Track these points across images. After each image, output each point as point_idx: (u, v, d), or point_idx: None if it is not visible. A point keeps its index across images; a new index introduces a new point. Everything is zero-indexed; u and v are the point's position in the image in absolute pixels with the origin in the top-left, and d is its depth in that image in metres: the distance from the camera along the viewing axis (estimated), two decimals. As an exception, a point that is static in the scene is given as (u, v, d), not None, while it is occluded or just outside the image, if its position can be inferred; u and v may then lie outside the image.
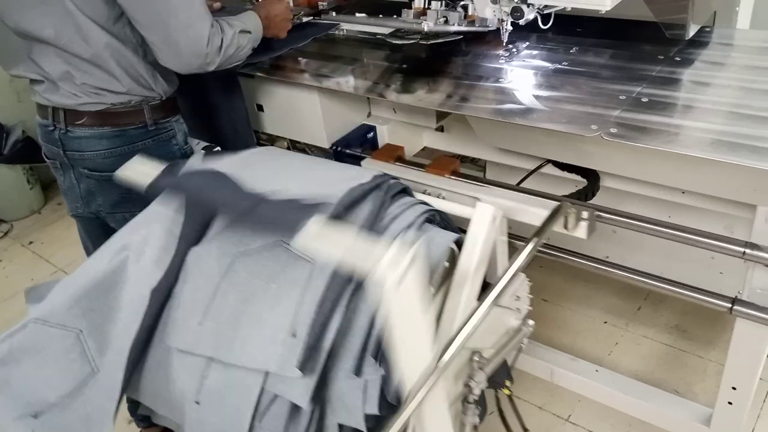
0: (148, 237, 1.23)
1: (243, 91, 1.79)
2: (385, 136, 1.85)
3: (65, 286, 1.21)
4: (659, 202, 1.63)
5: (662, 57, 1.57)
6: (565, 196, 1.56)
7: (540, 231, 1.16)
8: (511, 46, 1.69)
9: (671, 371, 2.01)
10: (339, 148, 1.80)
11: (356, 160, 1.78)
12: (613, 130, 1.27)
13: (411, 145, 1.94)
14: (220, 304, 1.14)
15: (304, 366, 1.01)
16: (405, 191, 1.27)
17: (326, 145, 1.81)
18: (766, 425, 1.83)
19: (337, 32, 1.95)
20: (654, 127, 1.28)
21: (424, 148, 2.02)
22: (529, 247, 1.11)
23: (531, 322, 1.27)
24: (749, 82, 1.43)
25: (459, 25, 1.73)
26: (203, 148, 1.60)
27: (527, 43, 1.73)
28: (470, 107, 1.48)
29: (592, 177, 1.68)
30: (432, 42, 1.75)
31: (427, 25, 1.74)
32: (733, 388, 1.49)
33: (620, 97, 1.40)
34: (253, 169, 1.28)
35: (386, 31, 1.85)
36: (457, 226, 1.28)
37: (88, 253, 1.82)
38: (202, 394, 1.12)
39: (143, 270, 1.19)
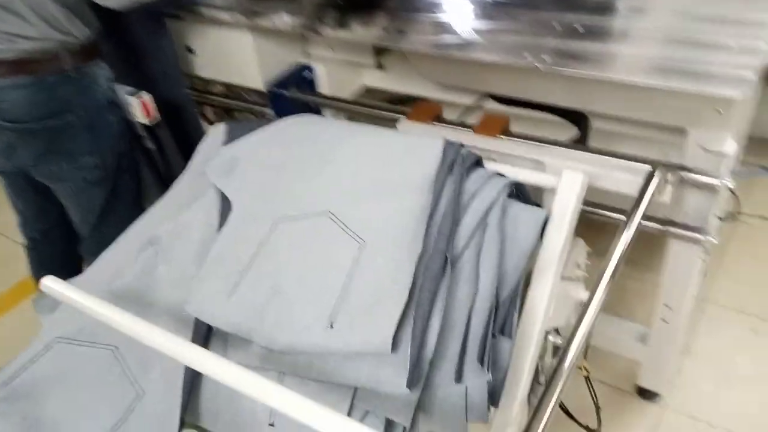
0: (179, 230, 1.09)
1: (171, 33, 1.70)
2: (323, 75, 1.80)
3: (85, 290, 1.01)
4: (593, 132, 1.65)
5: (599, -16, 1.55)
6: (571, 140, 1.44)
7: (638, 203, 1.03)
8: (447, -23, 1.64)
9: (612, 296, 2.08)
10: (276, 90, 1.74)
11: (295, 104, 1.73)
12: (547, 59, 1.26)
13: (351, 85, 1.90)
14: (255, 275, 0.99)
15: (410, 382, 0.87)
16: (478, 162, 1.13)
17: (261, 86, 1.75)
18: (702, 343, 1.93)
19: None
20: (588, 56, 1.28)
21: (367, 90, 1.98)
22: (633, 224, 0.99)
23: None
24: (684, 6, 1.43)
25: (394, -44, 1.66)
26: (129, 93, 1.53)
27: (464, -27, 1.69)
28: (407, 41, 1.45)
29: (582, 121, 1.57)
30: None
31: (362, -43, 1.68)
32: (667, 306, 1.56)
33: (555, 26, 1.38)
34: (297, 160, 1.13)
35: (319, -36, 1.77)
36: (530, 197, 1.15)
37: (17, 210, 1.74)
38: (276, 415, 0.94)
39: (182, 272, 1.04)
